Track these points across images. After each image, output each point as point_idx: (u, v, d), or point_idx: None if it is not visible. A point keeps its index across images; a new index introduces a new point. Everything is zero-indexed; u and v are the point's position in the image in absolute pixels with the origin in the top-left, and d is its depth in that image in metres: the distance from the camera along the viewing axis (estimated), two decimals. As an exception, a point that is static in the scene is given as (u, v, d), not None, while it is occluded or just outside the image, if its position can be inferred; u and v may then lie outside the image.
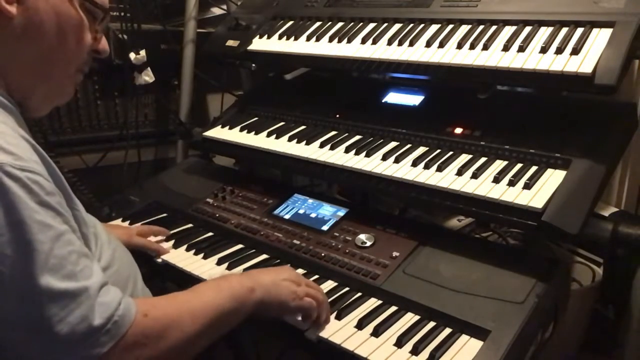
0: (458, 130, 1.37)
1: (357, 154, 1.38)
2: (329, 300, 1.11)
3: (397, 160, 1.31)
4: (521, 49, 1.22)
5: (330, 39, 1.53)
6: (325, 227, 1.34)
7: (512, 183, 1.15)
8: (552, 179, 1.15)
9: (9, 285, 0.71)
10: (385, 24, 1.49)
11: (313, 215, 1.40)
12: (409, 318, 1.07)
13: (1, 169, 0.71)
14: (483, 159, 1.27)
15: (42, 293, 0.72)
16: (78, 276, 0.75)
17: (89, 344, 0.75)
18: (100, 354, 0.75)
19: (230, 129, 1.69)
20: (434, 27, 1.41)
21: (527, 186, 1.13)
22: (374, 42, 1.45)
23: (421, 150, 1.36)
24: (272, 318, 1.04)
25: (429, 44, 1.35)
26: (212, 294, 0.93)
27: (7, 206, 0.71)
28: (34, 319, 0.73)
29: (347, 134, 1.50)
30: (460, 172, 1.22)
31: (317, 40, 1.56)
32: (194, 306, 0.89)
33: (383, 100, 1.59)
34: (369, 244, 1.25)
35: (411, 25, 1.45)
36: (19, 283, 0.72)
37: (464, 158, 1.29)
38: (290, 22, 1.69)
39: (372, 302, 1.12)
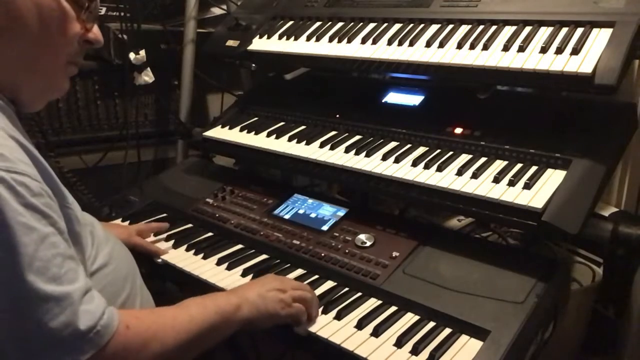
0: (458, 130, 1.37)
1: (357, 154, 1.38)
2: (329, 300, 1.12)
3: (397, 160, 1.31)
4: (521, 49, 1.22)
5: (330, 39, 1.53)
6: (325, 227, 1.34)
7: (512, 183, 1.15)
8: (552, 179, 1.15)
9: None
10: (385, 24, 1.49)
11: (313, 215, 1.40)
12: (409, 318, 1.07)
13: None
14: (483, 159, 1.27)
15: (27, 295, 0.72)
16: (62, 279, 0.75)
17: (70, 350, 0.74)
18: None
19: (230, 129, 1.69)
20: (434, 27, 1.40)
21: (527, 186, 1.13)
22: (374, 42, 1.45)
23: (421, 150, 1.36)
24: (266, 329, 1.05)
25: (429, 44, 1.35)
26: (197, 310, 0.93)
27: None
28: (19, 321, 0.73)
29: (347, 134, 1.50)
30: (460, 172, 1.22)
31: (317, 40, 1.56)
32: (177, 321, 0.89)
33: (383, 100, 1.59)
34: (368, 244, 1.25)
35: (411, 25, 1.45)
36: (4, 285, 0.71)
37: (464, 158, 1.29)
38: (290, 22, 1.68)
39: (372, 302, 1.12)
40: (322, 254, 1.26)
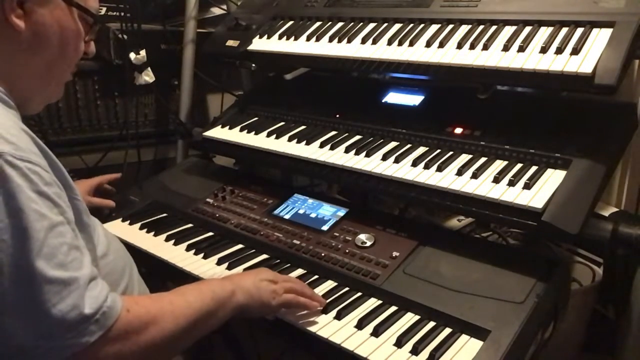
0: (458, 130, 1.37)
1: (357, 154, 1.38)
2: (329, 300, 1.12)
3: (397, 160, 1.31)
4: (521, 49, 1.22)
5: (330, 39, 1.53)
6: (325, 227, 1.34)
7: (512, 183, 1.15)
8: (552, 179, 1.15)
9: (6, 269, 0.73)
10: (385, 24, 1.49)
11: (313, 215, 1.40)
12: (409, 318, 1.07)
13: (2, 158, 0.74)
14: (483, 159, 1.27)
15: (36, 278, 0.74)
16: (68, 267, 0.77)
17: (78, 332, 0.76)
18: (89, 343, 0.77)
19: (230, 129, 1.69)
20: (434, 27, 1.40)
21: (527, 186, 1.13)
22: (374, 42, 1.44)
23: (421, 150, 1.36)
24: (256, 318, 1.07)
25: (429, 44, 1.35)
26: (194, 295, 0.95)
27: (7, 194, 0.73)
28: (28, 303, 0.74)
29: (347, 134, 1.50)
30: (460, 172, 1.22)
31: (317, 40, 1.56)
32: (175, 306, 0.91)
33: (383, 100, 1.59)
34: (369, 244, 1.25)
35: (411, 25, 1.45)
36: (14, 268, 0.73)
37: (464, 158, 1.29)
38: (290, 22, 1.68)
39: (372, 302, 1.12)
40: (322, 254, 1.26)
